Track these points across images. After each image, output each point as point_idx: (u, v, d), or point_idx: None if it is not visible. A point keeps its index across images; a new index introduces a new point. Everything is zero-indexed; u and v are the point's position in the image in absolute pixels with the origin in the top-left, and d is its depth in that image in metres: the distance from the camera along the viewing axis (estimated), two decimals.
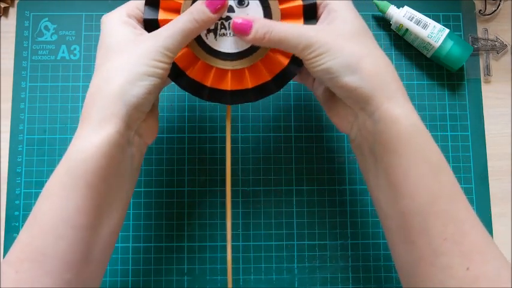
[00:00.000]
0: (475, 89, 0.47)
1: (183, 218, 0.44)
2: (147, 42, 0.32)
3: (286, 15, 0.35)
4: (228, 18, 0.35)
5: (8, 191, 0.44)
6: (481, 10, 0.48)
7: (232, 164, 0.45)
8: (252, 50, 0.36)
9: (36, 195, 0.43)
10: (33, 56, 0.46)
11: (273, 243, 0.44)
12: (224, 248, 0.44)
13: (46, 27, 0.47)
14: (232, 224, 0.44)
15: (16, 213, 0.44)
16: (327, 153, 0.45)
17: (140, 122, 0.33)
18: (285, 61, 0.36)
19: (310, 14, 0.35)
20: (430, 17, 0.45)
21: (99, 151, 0.30)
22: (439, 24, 0.45)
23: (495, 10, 0.48)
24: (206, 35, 0.35)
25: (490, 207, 0.45)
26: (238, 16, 0.34)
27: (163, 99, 0.46)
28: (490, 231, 0.44)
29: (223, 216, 0.44)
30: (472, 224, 0.30)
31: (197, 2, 0.34)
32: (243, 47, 0.35)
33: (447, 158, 0.45)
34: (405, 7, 0.45)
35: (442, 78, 0.47)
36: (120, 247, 0.43)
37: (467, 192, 0.45)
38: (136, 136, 0.34)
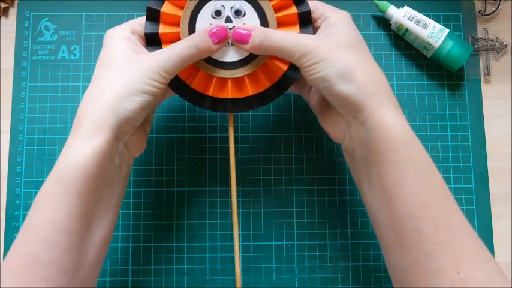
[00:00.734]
0: (475, 89, 0.47)
1: (183, 218, 0.44)
2: (146, 61, 0.33)
3: (282, 24, 0.36)
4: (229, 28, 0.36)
5: (8, 191, 0.44)
6: (481, 10, 0.48)
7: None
8: (250, 58, 0.36)
9: (36, 195, 0.43)
10: (33, 56, 0.46)
11: (273, 243, 0.44)
12: (224, 248, 0.44)
13: (46, 27, 0.47)
14: (232, 224, 0.44)
15: (16, 213, 0.44)
16: (327, 153, 0.45)
17: (130, 135, 0.34)
18: (284, 67, 0.37)
19: (305, 21, 0.37)
20: (430, 17, 0.45)
21: (89, 160, 0.31)
22: (439, 24, 0.45)
23: (495, 10, 0.48)
24: None
25: (490, 207, 0.45)
26: (238, 26, 0.35)
27: None
28: (490, 231, 0.44)
29: (223, 216, 0.44)
30: (463, 229, 0.31)
31: (201, 30, 0.35)
32: (242, 55, 0.36)
33: (447, 158, 0.46)
34: (405, 7, 0.45)
35: (442, 78, 0.47)
36: (120, 247, 0.43)
37: (467, 192, 0.45)
38: (124, 148, 0.35)
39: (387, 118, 0.32)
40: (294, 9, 0.36)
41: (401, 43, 0.47)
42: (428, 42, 0.45)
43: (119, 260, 0.43)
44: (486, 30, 0.48)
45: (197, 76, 0.37)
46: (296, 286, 0.43)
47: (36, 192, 0.44)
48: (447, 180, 0.45)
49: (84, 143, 0.31)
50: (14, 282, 0.30)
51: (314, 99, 0.39)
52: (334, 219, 0.44)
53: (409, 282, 0.31)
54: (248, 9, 0.36)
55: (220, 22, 0.36)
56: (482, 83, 0.47)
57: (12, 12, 0.47)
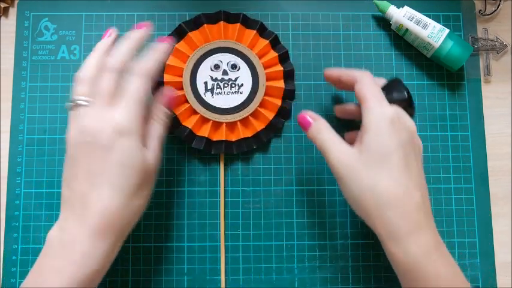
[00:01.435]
0: (475, 89, 0.47)
1: (183, 218, 0.44)
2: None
3: (270, 78, 0.44)
4: (223, 79, 0.43)
5: (8, 191, 0.44)
6: (481, 10, 0.48)
7: (232, 164, 0.45)
8: (243, 106, 0.43)
9: (36, 195, 0.44)
10: (33, 56, 0.46)
11: (273, 243, 0.44)
12: (225, 248, 0.44)
13: (46, 27, 0.47)
14: (232, 224, 0.44)
15: (16, 213, 0.44)
16: None
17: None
18: (271, 116, 0.43)
19: (288, 77, 0.45)
20: (430, 17, 0.45)
21: (101, 260, 0.33)
22: (439, 24, 0.45)
23: (495, 10, 0.48)
24: (204, 94, 0.43)
25: (490, 207, 0.45)
26: (306, 112, 0.39)
27: None
28: (490, 231, 0.44)
29: (223, 216, 0.44)
30: None
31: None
32: (236, 103, 0.43)
33: (447, 158, 0.46)
34: (405, 7, 0.45)
35: (442, 78, 0.47)
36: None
37: (467, 192, 0.45)
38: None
39: (393, 250, 0.33)
40: (279, 67, 0.44)
41: (401, 43, 0.47)
42: (428, 42, 0.45)
43: (118, 260, 0.43)
44: (486, 30, 0.48)
45: (195, 120, 0.42)
46: (296, 286, 0.43)
47: (36, 192, 0.44)
48: (447, 180, 0.45)
49: (94, 244, 0.32)
50: None
51: None
52: (334, 219, 0.44)
53: None
54: (242, 64, 0.43)
55: (218, 74, 0.43)
56: (482, 83, 0.47)
57: (12, 12, 0.47)
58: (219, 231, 0.44)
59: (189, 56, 0.43)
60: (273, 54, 0.44)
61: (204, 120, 0.43)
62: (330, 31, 0.47)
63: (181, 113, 0.43)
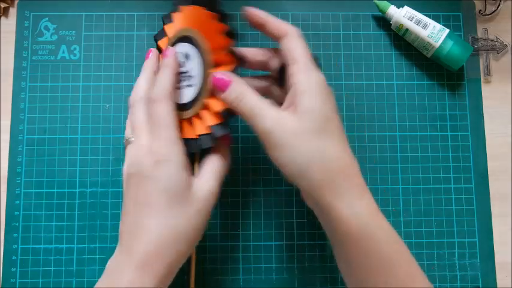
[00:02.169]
0: (475, 89, 0.47)
1: None
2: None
3: (218, 63, 0.37)
4: (181, 72, 0.37)
5: (8, 191, 0.44)
6: (481, 10, 0.48)
7: (232, 164, 0.45)
8: (196, 100, 0.37)
9: (36, 195, 0.44)
10: (33, 56, 0.46)
11: (273, 243, 0.44)
12: (224, 247, 0.44)
13: (46, 27, 0.47)
14: (232, 224, 0.44)
15: (16, 213, 0.44)
16: None
17: None
18: (220, 108, 0.36)
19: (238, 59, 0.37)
20: (430, 17, 0.45)
21: None
22: (439, 24, 0.45)
23: (495, 10, 0.48)
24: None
25: (490, 207, 0.45)
26: (221, 72, 0.35)
27: None
28: (490, 231, 0.44)
29: (223, 217, 0.44)
30: None
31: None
32: (190, 97, 0.37)
33: (447, 158, 0.46)
34: (405, 7, 0.45)
35: (442, 78, 0.47)
36: None
37: (467, 192, 0.45)
38: None
39: (343, 211, 0.32)
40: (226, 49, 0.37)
41: (401, 43, 0.47)
42: (428, 42, 0.45)
43: None
44: (486, 30, 0.48)
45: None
46: (296, 286, 0.43)
47: (36, 192, 0.44)
48: (447, 180, 0.45)
49: (139, 274, 0.31)
50: None
51: None
52: None
53: None
54: (192, 52, 0.37)
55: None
56: (482, 83, 0.47)
57: (12, 12, 0.47)
58: (219, 231, 0.44)
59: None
60: (221, 38, 0.37)
61: (179, 120, 0.37)
62: (330, 31, 0.47)
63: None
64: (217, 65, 0.37)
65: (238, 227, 0.44)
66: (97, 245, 0.43)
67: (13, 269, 0.43)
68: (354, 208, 0.32)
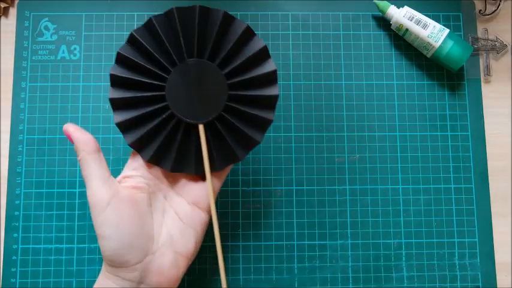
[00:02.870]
0: (475, 89, 0.47)
1: None
2: None
3: None
4: None
5: (8, 191, 0.44)
6: (481, 10, 0.48)
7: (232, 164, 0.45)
8: None
9: (36, 195, 0.44)
10: (33, 56, 0.46)
11: (273, 243, 0.44)
12: (224, 247, 0.43)
13: (46, 27, 0.47)
14: (232, 224, 0.44)
15: (16, 213, 0.44)
16: (327, 153, 0.45)
17: None
18: None
19: None
20: (430, 17, 0.45)
21: None
22: (439, 24, 0.45)
23: (495, 10, 0.48)
24: None
25: (490, 207, 0.45)
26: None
27: None
28: (490, 231, 0.45)
29: (223, 217, 0.44)
30: None
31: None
32: None
33: (447, 158, 0.46)
34: (405, 7, 0.45)
35: (442, 78, 0.47)
36: None
37: (467, 192, 0.45)
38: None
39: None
40: None
41: (401, 43, 0.47)
42: (428, 42, 0.45)
43: None
44: (486, 30, 0.48)
45: None
46: (296, 286, 0.43)
47: (36, 192, 0.44)
48: (447, 180, 0.45)
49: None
50: None
51: None
52: (334, 219, 0.44)
53: None
54: None
55: None
56: (482, 83, 0.47)
57: (12, 12, 0.47)
58: (219, 231, 0.44)
59: None
60: None
61: None
62: (330, 31, 0.47)
63: None
64: None
65: (238, 227, 0.44)
66: (97, 244, 0.43)
67: (13, 269, 0.43)
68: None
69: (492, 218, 0.45)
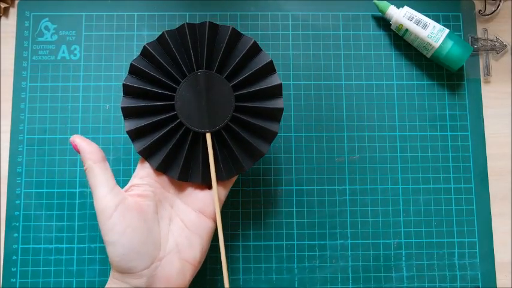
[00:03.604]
0: (475, 89, 0.47)
1: None
2: None
3: None
4: None
5: (8, 191, 0.44)
6: (480, 10, 0.48)
7: None
8: None
9: (36, 195, 0.44)
10: (34, 56, 0.46)
11: (273, 243, 0.44)
12: (225, 247, 0.43)
13: (46, 27, 0.47)
14: (232, 224, 0.44)
15: (16, 213, 0.44)
16: (327, 153, 0.45)
17: None
18: None
19: None
20: (430, 17, 0.45)
21: None
22: (439, 24, 0.45)
23: (495, 10, 0.48)
24: None
25: (490, 207, 0.45)
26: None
27: None
28: (490, 231, 0.45)
29: (223, 216, 0.44)
30: None
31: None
32: None
33: (447, 158, 0.46)
34: (405, 7, 0.45)
35: (442, 78, 0.47)
36: None
37: (467, 192, 0.45)
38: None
39: None
40: None
41: (401, 43, 0.47)
42: (428, 42, 0.45)
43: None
44: (486, 30, 0.48)
45: None
46: (296, 286, 0.43)
47: (36, 192, 0.44)
48: (447, 180, 0.45)
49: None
50: None
51: None
52: (334, 219, 0.44)
53: None
54: None
55: None
56: (482, 83, 0.47)
57: (13, 12, 0.47)
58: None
59: None
60: None
61: None
62: (330, 31, 0.47)
63: None
64: None
65: (238, 227, 0.44)
66: (97, 244, 0.43)
67: (13, 269, 0.43)
68: None
69: (492, 218, 0.45)
